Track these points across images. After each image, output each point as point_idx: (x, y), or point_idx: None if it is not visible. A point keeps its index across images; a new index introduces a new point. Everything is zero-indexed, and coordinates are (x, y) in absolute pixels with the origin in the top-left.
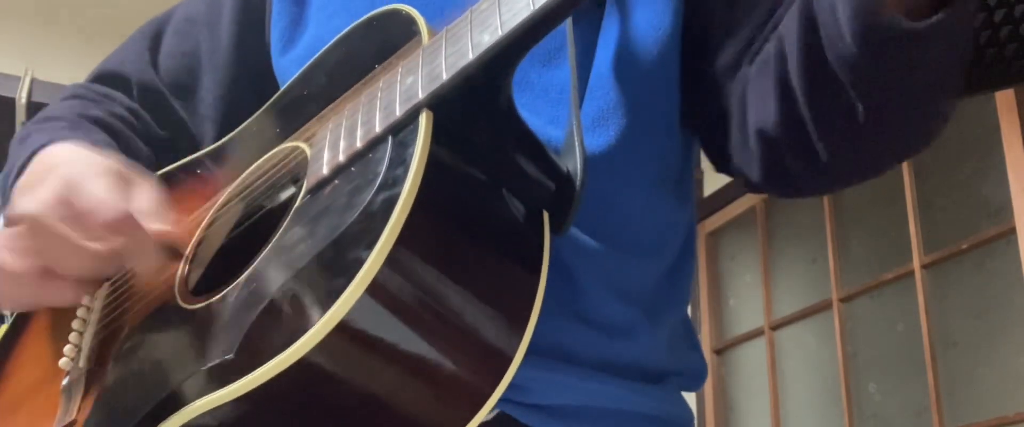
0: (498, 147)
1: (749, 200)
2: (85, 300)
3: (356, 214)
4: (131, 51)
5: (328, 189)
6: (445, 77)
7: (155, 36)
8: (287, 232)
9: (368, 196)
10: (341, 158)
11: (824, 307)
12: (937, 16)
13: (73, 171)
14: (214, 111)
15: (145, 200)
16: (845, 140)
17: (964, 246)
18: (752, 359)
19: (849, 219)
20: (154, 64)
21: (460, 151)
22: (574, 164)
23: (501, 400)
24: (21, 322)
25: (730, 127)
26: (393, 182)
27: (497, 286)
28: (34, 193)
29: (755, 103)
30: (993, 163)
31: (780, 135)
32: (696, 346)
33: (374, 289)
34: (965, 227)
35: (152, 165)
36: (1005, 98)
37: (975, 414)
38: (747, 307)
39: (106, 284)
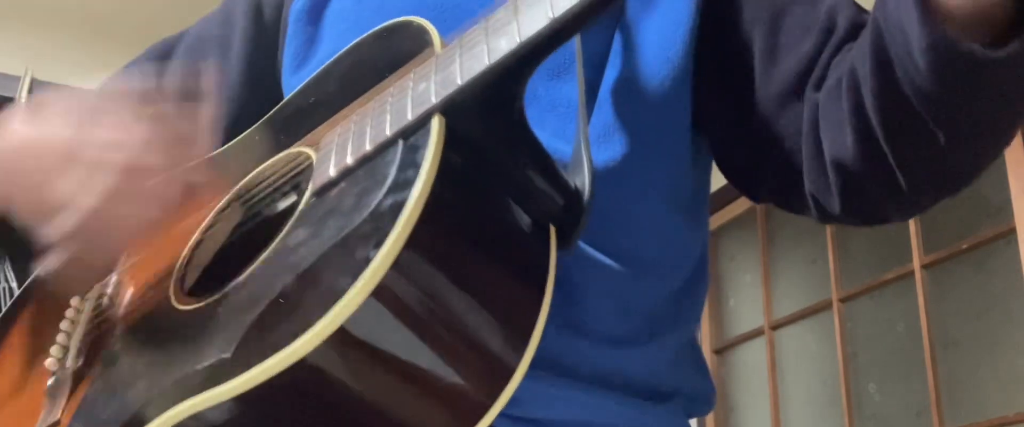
0: (509, 158)
1: (749, 200)
2: (74, 302)
3: (365, 214)
4: (137, 68)
5: (334, 192)
6: (460, 82)
7: (164, 53)
8: (291, 233)
9: (378, 197)
10: (349, 161)
11: (824, 307)
12: (1014, 43)
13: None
14: (219, 133)
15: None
16: (926, 168)
17: (964, 246)
18: (752, 359)
19: None
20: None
21: (471, 159)
22: (582, 180)
23: (499, 415)
24: (4, 323)
25: (793, 157)
26: (404, 184)
27: (503, 297)
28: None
29: (830, 135)
30: (993, 163)
31: (860, 167)
32: (704, 372)
33: (380, 290)
34: (965, 227)
35: None
36: None
37: (975, 414)
38: (747, 307)
39: (96, 286)
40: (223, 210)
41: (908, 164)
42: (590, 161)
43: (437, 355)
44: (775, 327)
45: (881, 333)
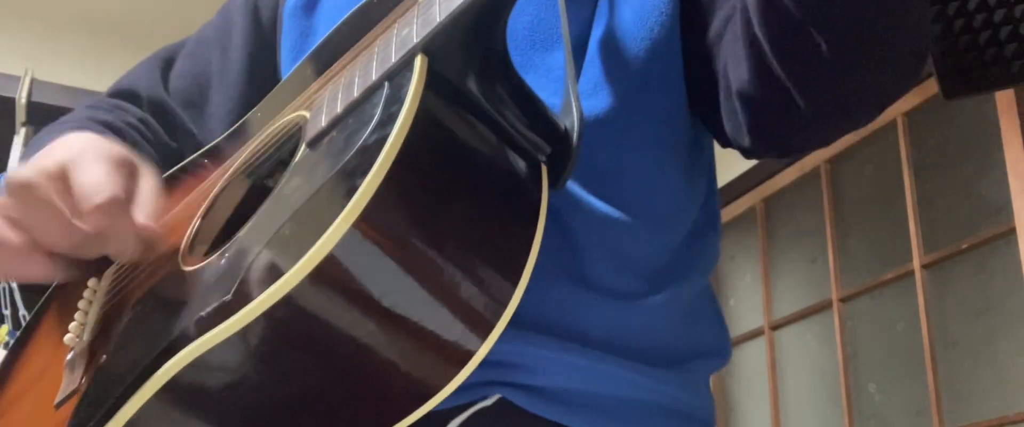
0: (494, 95)
1: (749, 200)
2: (91, 282)
3: (352, 151)
4: (142, 70)
5: (326, 140)
6: (438, 19)
7: (168, 59)
8: (286, 184)
9: (364, 135)
10: (338, 110)
11: (824, 307)
12: None
13: (78, 151)
14: (224, 127)
15: (140, 190)
16: (820, 86)
17: (964, 246)
18: (752, 359)
19: (849, 219)
20: (165, 83)
21: (456, 96)
22: (571, 121)
23: (502, 384)
24: (36, 316)
25: (720, 97)
26: (389, 120)
27: (492, 233)
28: (35, 163)
29: (732, 66)
30: (993, 163)
31: (757, 92)
32: (720, 322)
33: (367, 218)
34: (965, 227)
35: (159, 169)
36: (1005, 98)
37: (975, 414)
38: (747, 307)
39: (112, 267)
40: (229, 183)
41: (802, 83)
42: (577, 101)
43: (428, 287)
44: (775, 327)
45: (881, 333)
